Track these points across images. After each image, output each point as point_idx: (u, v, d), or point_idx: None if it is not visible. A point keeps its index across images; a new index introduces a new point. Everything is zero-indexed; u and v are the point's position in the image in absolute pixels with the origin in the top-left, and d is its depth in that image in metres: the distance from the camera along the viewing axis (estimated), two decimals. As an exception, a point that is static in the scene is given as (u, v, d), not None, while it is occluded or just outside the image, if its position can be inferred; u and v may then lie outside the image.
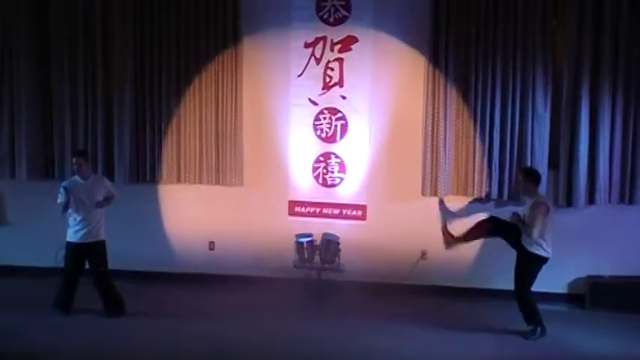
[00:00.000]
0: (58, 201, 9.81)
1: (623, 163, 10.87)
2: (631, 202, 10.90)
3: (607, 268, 11.02)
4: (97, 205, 9.83)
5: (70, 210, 9.86)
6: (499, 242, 10.12)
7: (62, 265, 10.20)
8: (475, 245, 10.92)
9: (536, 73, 10.84)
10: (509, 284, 10.39)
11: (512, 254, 9.94)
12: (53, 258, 10.85)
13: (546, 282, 10.75)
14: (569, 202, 10.95)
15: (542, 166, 10.85)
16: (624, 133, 10.82)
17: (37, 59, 11.80)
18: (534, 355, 9.07)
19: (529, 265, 9.53)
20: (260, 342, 9.17)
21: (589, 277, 11.03)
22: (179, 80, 11.56)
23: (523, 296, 9.58)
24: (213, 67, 11.50)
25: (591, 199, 10.93)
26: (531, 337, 9.51)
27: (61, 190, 9.82)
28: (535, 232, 9.35)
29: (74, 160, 10.11)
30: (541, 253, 9.46)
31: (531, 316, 9.59)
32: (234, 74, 11.48)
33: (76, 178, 9.98)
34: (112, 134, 11.73)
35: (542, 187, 10.69)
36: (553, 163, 11.06)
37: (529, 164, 10.79)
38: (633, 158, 10.88)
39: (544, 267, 10.28)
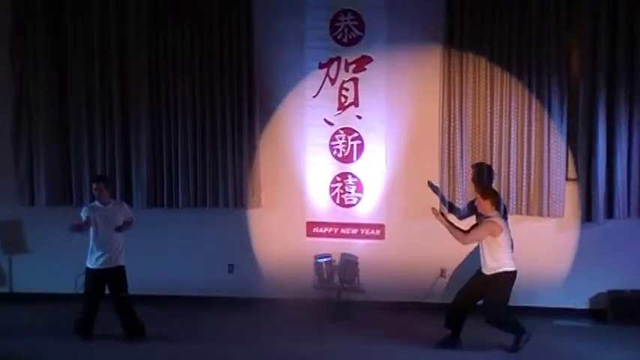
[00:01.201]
0: (82, 217, 9.81)
1: (642, 175, 10.78)
2: (651, 215, 10.81)
3: (628, 282, 10.93)
4: (116, 229, 9.78)
5: (90, 236, 9.86)
6: (516, 261, 10.07)
7: (82, 291, 10.22)
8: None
9: (552, 86, 10.81)
10: (529, 301, 10.88)
11: (529, 272, 10.21)
12: (73, 284, 10.86)
13: (568, 298, 11.15)
14: (588, 216, 10.88)
15: (559, 180, 10.91)
16: (643, 144, 10.75)
17: (54, 88, 11.84)
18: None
19: (500, 285, 9.38)
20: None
21: (610, 291, 10.95)
22: (194, 104, 11.59)
23: (500, 319, 9.44)
24: (227, 89, 11.51)
25: (610, 213, 10.84)
26: (517, 347, 9.42)
27: (84, 209, 9.91)
28: (467, 239, 9.51)
29: (94, 185, 10.08)
30: (508, 268, 9.35)
31: (513, 328, 9.49)
32: (249, 96, 11.49)
33: (96, 203, 9.96)
34: (130, 160, 11.75)
35: (560, 200, 10.88)
36: (570, 177, 11.03)
37: (546, 178, 10.83)
38: (652, 171, 10.80)
39: (564, 282, 10.82)
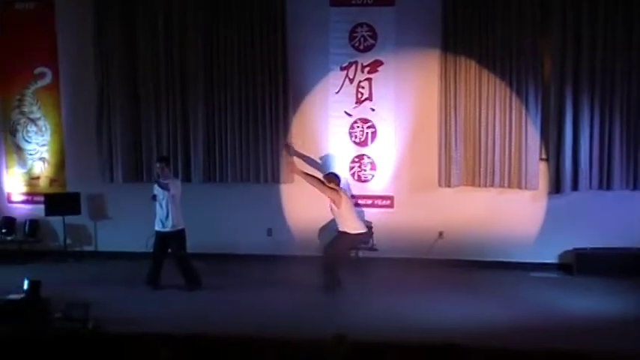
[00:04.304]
0: (155, 192, 10.47)
1: (600, 156, 11.27)
2: (608, 187, 11.32)
3: (590, 241, 11.28)
4: (159, 185, 10.35)
5: (156, 206, 10.46)
6: (500, 224, 10.81)
7: (151, 249, 10.70)
8: (481, 226, 11.39)
9: (529, 84, 11.28)
10: (509, 256, 11.28)
11: (510, 233, 10.80)
12: (144, 244, 11.24)
13: (539, 254, 11.47)
14: (558, 189, 11.40)
15: (534, 160, 11.39)
16: (601, 131, 11.21)
17: (127, 86, 12.34)
18: (532, 316, 9.08)
19: (341, 242, 10.35)
20: (310, 308, 9.40)
21: (575, 249, 11.37)
22: (240, 100, 12.10)
23: (327, 268, 10.22)
24: (267, 89, 11.97)
25: (575, 186, 11.35)
26: (327, 290, 10.09)
27: (155, 186, 10.49)
28: (309, 180, 10.56)
29: (157, 165, 10.72)
30: (351, 230, 10.30)
31: (332, 281, 10.20)
32: (284, 94, 11.99)
33: (160, 179, 10.45)
34: (189, 144, 12.31)
35: (535, 176, 11.29)
36: (543, 157, 11.49)
37: (524, 158, 11.28)
38: (609, 152, 11.21)
39: (538, 241, 11.07)
